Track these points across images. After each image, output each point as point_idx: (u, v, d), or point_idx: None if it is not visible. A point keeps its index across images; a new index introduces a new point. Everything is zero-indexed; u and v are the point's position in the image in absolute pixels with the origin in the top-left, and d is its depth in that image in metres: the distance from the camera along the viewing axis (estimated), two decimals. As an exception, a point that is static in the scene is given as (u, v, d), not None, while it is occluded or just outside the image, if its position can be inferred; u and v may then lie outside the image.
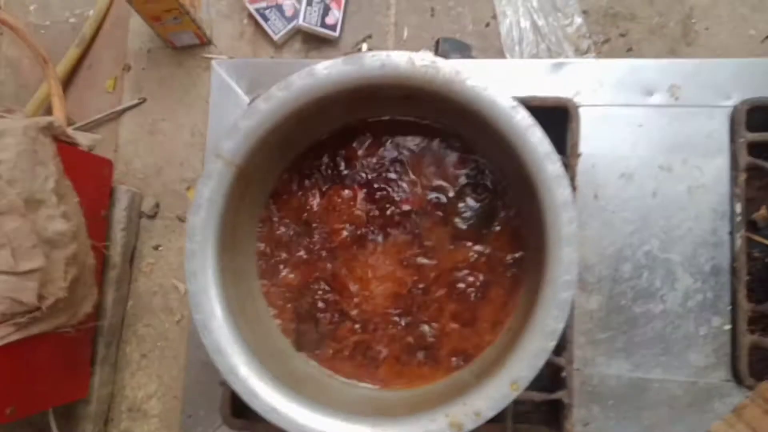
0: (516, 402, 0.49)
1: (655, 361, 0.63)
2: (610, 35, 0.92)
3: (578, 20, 0.92)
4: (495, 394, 0.49)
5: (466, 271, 0.60)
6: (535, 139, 0.49)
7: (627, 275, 0.64)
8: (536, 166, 0.49)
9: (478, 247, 0.60)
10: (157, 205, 1.03)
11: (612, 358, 0.64)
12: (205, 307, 0.53)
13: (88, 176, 0.88)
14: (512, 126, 0.50)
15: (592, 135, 0.66)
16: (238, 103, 0.71)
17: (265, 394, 0.52)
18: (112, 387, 0.98)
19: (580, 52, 0.86)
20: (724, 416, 0.61)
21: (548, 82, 0.68)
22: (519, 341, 0.50)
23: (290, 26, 1.06)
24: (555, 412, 0.61)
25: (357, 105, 0.58)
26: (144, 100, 1.06)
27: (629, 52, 0.89)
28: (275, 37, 1.06)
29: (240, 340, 0.53)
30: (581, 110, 0.65)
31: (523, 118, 0.50)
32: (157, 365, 0.98)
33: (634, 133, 0.66)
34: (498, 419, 0.51)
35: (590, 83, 0.67)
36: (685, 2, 0.93)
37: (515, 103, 0.50)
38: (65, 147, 0.84)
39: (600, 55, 0.86)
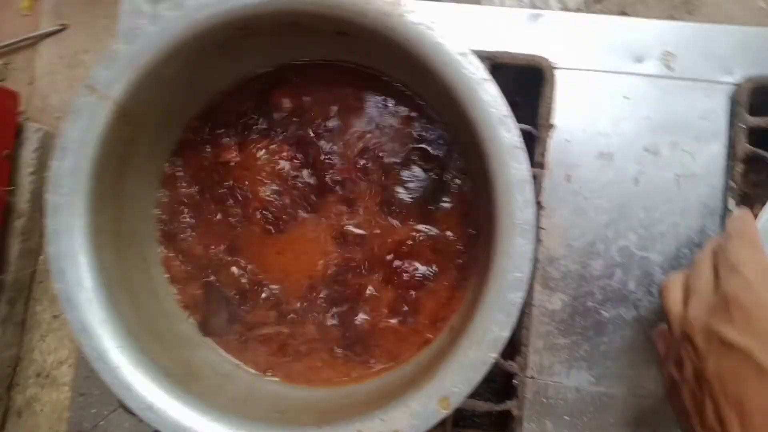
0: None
1: (621, 374, 0.54)
2: (603, -6, 0.82)
3: (570, -27, 0.81)
4: (420, 411, 0.39)
5: (407, 254, 0.51)
6: (487, 97, 0.39)
7: (597, 273, 0.55)
8: (488, 132, 0.39)
9: (422, 226, 0.50)
10: (73, 150, 0.91)
11: (572, 367, 0.55)
12: (70, 275, 0.42)
13: (-14, 109, 0.76)
14: (460, 78, 0.39)
15: (569, 104, 0.55)
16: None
17: (142, 388, 0.43)
18: (18, 349, 0.87)
19: (569, 10, 0.75)
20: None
21: (523, 36, 0.57)
22: (455, 348, 0.40)
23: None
24: (503, 422, 0.52)
25: (280, 40, 0.47)
26: (65, 27, 0.91)
27: (622, 15, 0.78)
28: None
29: (115, 318, 0.43)
30: (558, 73, 0.55)
31: (474, 69, 0.39)
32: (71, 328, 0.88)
33: (618, 105, 0.55)
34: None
35: (572, 42, 0.56)
36: (691, -35, 0.82)
37: (466, 50, 0.39)
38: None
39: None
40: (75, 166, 0.42)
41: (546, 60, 0.54)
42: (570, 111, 0.55)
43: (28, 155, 0.84)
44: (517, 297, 0.38)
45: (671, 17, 0.78)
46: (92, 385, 0.60)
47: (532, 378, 0.55)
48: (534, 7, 0.78)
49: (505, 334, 0.38)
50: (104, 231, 0.45)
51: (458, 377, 0.39)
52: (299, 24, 0.44)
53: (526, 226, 0.38)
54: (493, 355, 0.38)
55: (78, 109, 0.41)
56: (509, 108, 0.39)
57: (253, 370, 0.51)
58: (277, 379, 0.51)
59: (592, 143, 0.55)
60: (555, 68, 0.54)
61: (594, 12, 0.76)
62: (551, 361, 0.55)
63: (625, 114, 0.55)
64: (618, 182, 0.55)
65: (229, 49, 0.45)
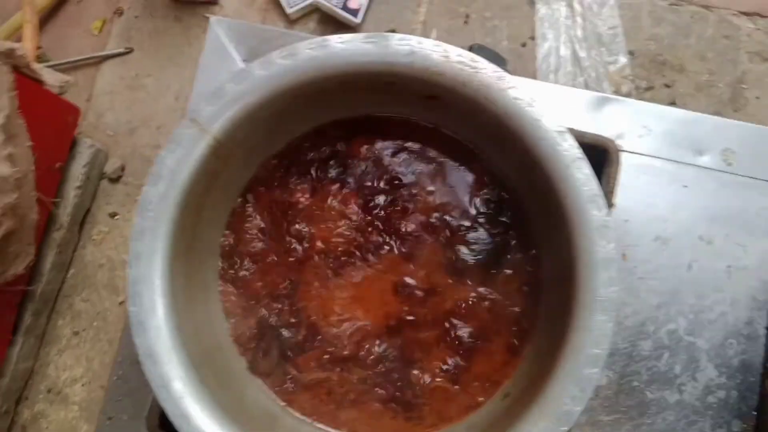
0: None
1: (661, 458, 0.54)
2: (654, 83, 0.85)
3: (623, 60, 0.84)
4: (481, 479, 0.39)
5: (464, 314, 0.51)
6: (581, 175, 0.40)
7: (645, 353, 0.55)
8: (577, 209, 0.40)
9: (482, 289, 0.51)
10: (122, 168, 0.91)
11: (612, 446, 0.55)
12: (145, 299, 0.42)
13: (49, 121, 0.77)
14: (555, 155, 0.41)
15: (630, 186, 0.57)
16: (233, 69, 0.61)
17: (201, 422, 0.42)
18: (33, 362, 0.86)
19: (620, 95, 0.78)
20: None
21: (589, 117, 0.59)
22: (521, 418, 0.40)
23: (308, 0, 0.97)
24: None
25: (370, 95, 0.49)
26: (131, 51, 0.94)
27: (672, 105, 0.82)
28: (289, 10, 0.96)
29: (181, 347, 0.43)
30: (622, 156, 0.57)
31: (569, 148, 0.41)
32: (89, 347, 0.86)
33: (677, 193, 0.57)
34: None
35: (636, 128, 0.59)
36: (738, 65, 0.86)
37: (563, 128, 0.41)
38: (26, 82, 0.72)
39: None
40: (165, 193, 0.43)
41: (613, 142, 0.56)
42: (631, 193, 0.57)
43: (77, 170, 0.84)
44: (594, 373, 0.38)
45: (718, 113, 0.81)
46: (122, 410, 0.59)
47: (572, 453, 0.54)
48: (587, 85, 0.81)
49: (579, 408, 0.39)
50: (179, 258, 0.45)
51: (526, 448, 0.39)
52: (395, 84, 0.45)
53: (607, 304, 0.39)
54: (563, 429, 0.38)
55: (178, 139, 0.42)
56: (600, 187, 0.40)
57: (299, 414, 0.50)
58: (321, 425, 0.50)
59: (650, 226, 0.57)
60: (621, 150, 0.56)
61: (644, 99, 0.79)
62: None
63: (683, 202, 0.57)
64: (672, 266, 0.56)
65: (321, 99, 0.47)
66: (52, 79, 0.76)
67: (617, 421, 0.55)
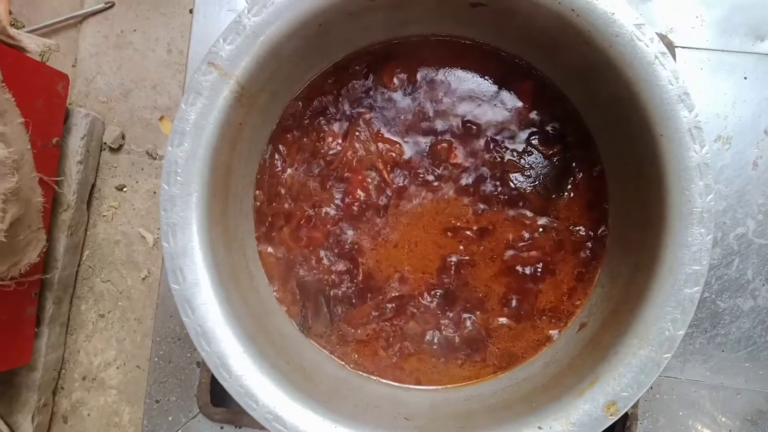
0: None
1: (738, 367, 0.52)
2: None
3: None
4: (584, 418, 0.36)
5: (525, 247, 0.47)
6: (666, 72, 0.35)
7: (714, 262, 0.52)
8: (664, 112, 0.35)
9: (543, 219, 0.47)
10: (123, 136, 0.84)
11: (687, 361, 0.52)
12: (188, 275, 0.38)
13: (38, 92, 0.69)
14: (634, 52, 0.36)
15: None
16: (234, 8, 0.55)
17: (269, 400, 0.38)
18: (63, 351, 0.82)
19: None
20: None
21: (640, 12, 0.53)
22: (613, 349, 0.37)
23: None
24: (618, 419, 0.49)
25: (401, 14, 0.43)
26: (112, 5, 0.85)
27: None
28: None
29: (233, 320, 0.39)
30: (675, 53, 0.52)
31: (651, 42, 0.36)
32: (118, 328, 0.83)
33: (736, 86, 0.52)
34: None
35: (687, 19, 0.53)
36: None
37: (641, 20, 0.36)
38: (6, 50, 0.65)
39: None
40: (192, 153, 0.38)
41: (665, 38, 0.51)
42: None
43: (76, 143, 0.78)
44: (696, 292, 0.35)
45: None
46: (168, 391, 0.57)
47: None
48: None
49: (681, 332, 0.35)
50: (216, 225, 0.41)
51: (627, 380, 0.36)
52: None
53: (705, 215, 0.35)
54: (667, 356, 0.35)
55: (197, 88, 0.37)
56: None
57: (361, 372, 0.47)
58: (386, 381, 0.48)
59: (710, 126, 0.52)
60: (674, 46, 0.51)
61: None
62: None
63: (744, 95, 0.52)
64: (736, 166, 0.52)
65: (350, 22, 0.41)
66: (32, 44, 0.68)
67: (689, 336, 0.52)
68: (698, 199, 0.35)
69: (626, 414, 0.48)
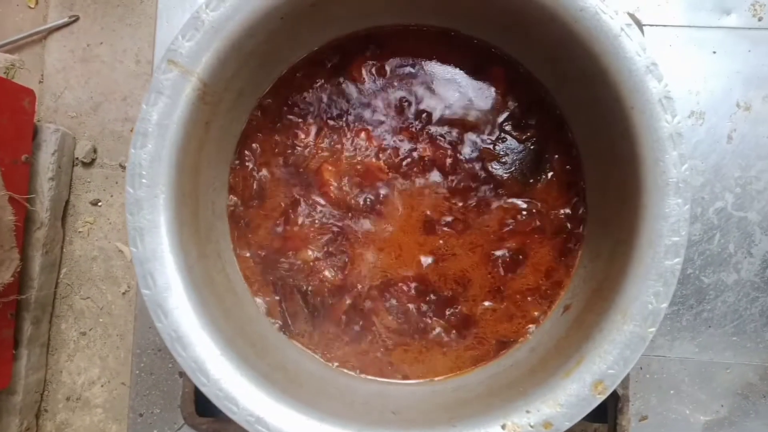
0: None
1: (726, 342, 0.52)
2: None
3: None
4: (571, 398, 0.35)
5: (505, 233, 0.47)
6: (631, 44, 0.35)
7: (695, 238, 0.52)
8: (633, 84, 0.35)
9: (520, 202, 0.46)
10: (95, 150, 0.82)
11: (675, 339, 0.52)
12: (158, 278, 0.37)
13: (2, 108, 0.68)
14: (599, 26, 0.35)
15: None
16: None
17: (249, 402, 0.37)
18: (44, 372, 0.80)
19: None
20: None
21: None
22: (599, 327, 0.37)
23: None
24: (604, 404, 0.49)
25: (365, 4, 0.42)
26: (76, 19, 0.83)
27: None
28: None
29: (209, 323, 0.38)
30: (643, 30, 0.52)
31: (615, 15, 0.35)
32: (100, 345, 0.81)
33: (706, 61, 0.53)
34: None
35: (654, -3, 0.53)
36: None
37: (605, -7, 0.35)
38: (-32, 70, 0.64)
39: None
40: (156, 154, 0.37)
41: (633, 16, 0.51)
42: (658, 68, 0.52)
43: (46, 159, 0.76)
44: (676, 264, 0.34)
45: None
46: (152, 404, 0.55)
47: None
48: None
49: (665, 305, 0.35)
50: (186, 227, 0.40)
51: (612, 357, 0.35)
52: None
53: (681, 185, 0.34)
54: (652, 330, 0.35)
55: (159, 88, 0.36)
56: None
57: (346, 370, 0.47)
58: (372, 377, 0.47)
59: (682, 102, 0.52)
60: (641, 24, 0.51)
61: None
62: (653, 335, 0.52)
63: (713, 70, 0.52)
64: (710, 141, 0.52)
65: (313, 14, 0.40)
66: (-8, 60, 0.67)
67: (676, 313, 0.52)
68: (673, 170, 0.34)
69: (617, 395, 0.48)
